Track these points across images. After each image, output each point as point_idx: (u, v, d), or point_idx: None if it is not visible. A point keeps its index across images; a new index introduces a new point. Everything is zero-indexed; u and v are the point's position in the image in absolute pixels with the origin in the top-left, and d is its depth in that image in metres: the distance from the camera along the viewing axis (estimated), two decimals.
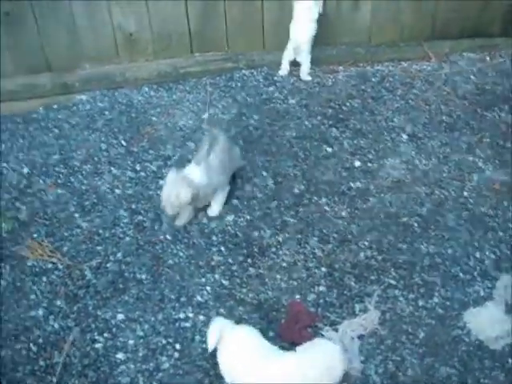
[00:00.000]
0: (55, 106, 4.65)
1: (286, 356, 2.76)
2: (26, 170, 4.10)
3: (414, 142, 4.28)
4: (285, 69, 4.86)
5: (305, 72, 4.81)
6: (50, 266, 3.50)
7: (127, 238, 3.66)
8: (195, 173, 3.57)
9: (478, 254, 3.54)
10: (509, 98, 4.67)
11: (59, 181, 4.04)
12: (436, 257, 3.53)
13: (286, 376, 2.66)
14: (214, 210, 3.78)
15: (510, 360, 3.07)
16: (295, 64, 4.84)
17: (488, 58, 5.07)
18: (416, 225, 3.71)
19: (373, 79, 4.86)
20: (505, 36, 5.22)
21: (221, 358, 2.86)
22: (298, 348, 2.74)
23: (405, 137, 4.32)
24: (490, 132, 4.36)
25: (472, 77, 4.89)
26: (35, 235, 3.68)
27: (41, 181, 4.04)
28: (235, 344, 2.81)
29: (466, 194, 3.90)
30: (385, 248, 3.58)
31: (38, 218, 3.79)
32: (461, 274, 3.44)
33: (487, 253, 3.55)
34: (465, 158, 4.16)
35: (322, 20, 4.71)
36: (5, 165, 4.15)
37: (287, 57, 4.81)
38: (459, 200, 3.86)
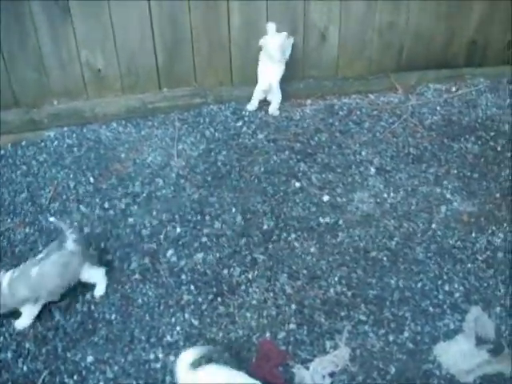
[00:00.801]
0: (23, 143, 4.61)
1: None
2: None
3: (381, 175, 4.30)
4: (253, 105, 4.85)
5: (274, 108, 4.81)
6: None
7: None
8: (4, 281, 3.29)
9: (447, 287, 3.56)
10: (475, 128, 4.71)
11: (27, 219, 4.00)
12: (406, 291, 3.54)
13: None
14: (21, 322, 3.42)
15: None
16: (265, 100, 4.86)
17: (454, 89, 5.12)
18: (385, 259, 3.73)
19: (340, 112, 4.87)
20: (470, 66, 5.30)
21: None
22: None
23: (373, 170, 4.33)
24: (457, 163, 4.40)
25: (438, 108, 4.93)
26: None
27: (8, 219, 4.01)
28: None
29: (434, 226, 3.93)
30: (354, 283, 3.59)
31: (5, 258, 3.75)
32: (430, 308, 3.45)
33: (456, 285, 3.57)
34: (432, 189, 4.19)
35: (290, 54, 4.75)
36: None
37: (257, 96, 4.82)
38: (428, 233, 3.89)
